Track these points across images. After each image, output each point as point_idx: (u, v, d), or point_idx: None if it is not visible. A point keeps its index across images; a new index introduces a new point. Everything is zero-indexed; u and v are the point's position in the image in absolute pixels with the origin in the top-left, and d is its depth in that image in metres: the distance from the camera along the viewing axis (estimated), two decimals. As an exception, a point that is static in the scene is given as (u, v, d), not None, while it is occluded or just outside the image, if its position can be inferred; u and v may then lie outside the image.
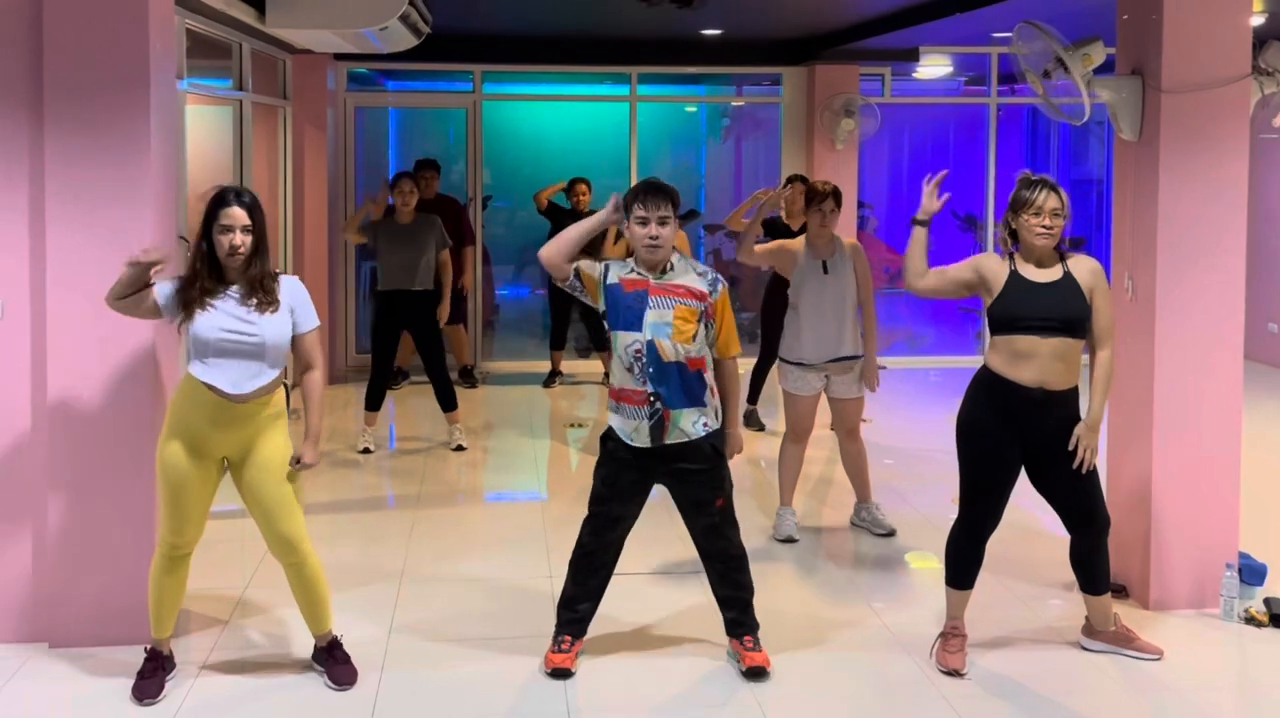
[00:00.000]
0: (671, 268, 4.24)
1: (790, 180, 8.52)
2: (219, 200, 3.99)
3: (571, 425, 8.66)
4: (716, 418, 4.27)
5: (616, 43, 10.67)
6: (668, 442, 4.19)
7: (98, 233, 4.41)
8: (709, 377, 4.27)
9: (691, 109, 14.36)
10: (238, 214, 3.97)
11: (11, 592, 4.52)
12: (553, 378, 10.05)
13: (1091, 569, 4.45)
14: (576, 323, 10.22)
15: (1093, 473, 4.31)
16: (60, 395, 4.43)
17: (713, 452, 4.26)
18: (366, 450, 7.55)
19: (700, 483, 4.28)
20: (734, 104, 14.09)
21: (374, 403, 7.61)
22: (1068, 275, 4.25)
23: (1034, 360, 4.21)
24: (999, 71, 11.23)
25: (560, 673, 4.28)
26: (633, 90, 11.09)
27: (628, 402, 4.21)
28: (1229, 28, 4.88)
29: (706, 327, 4.24)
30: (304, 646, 4.47)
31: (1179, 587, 4.97)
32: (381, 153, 12.47)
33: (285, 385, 4.20)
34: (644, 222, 4.18)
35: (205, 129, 8.28)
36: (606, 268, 4.28)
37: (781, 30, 10.22)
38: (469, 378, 9.94)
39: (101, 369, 4.43)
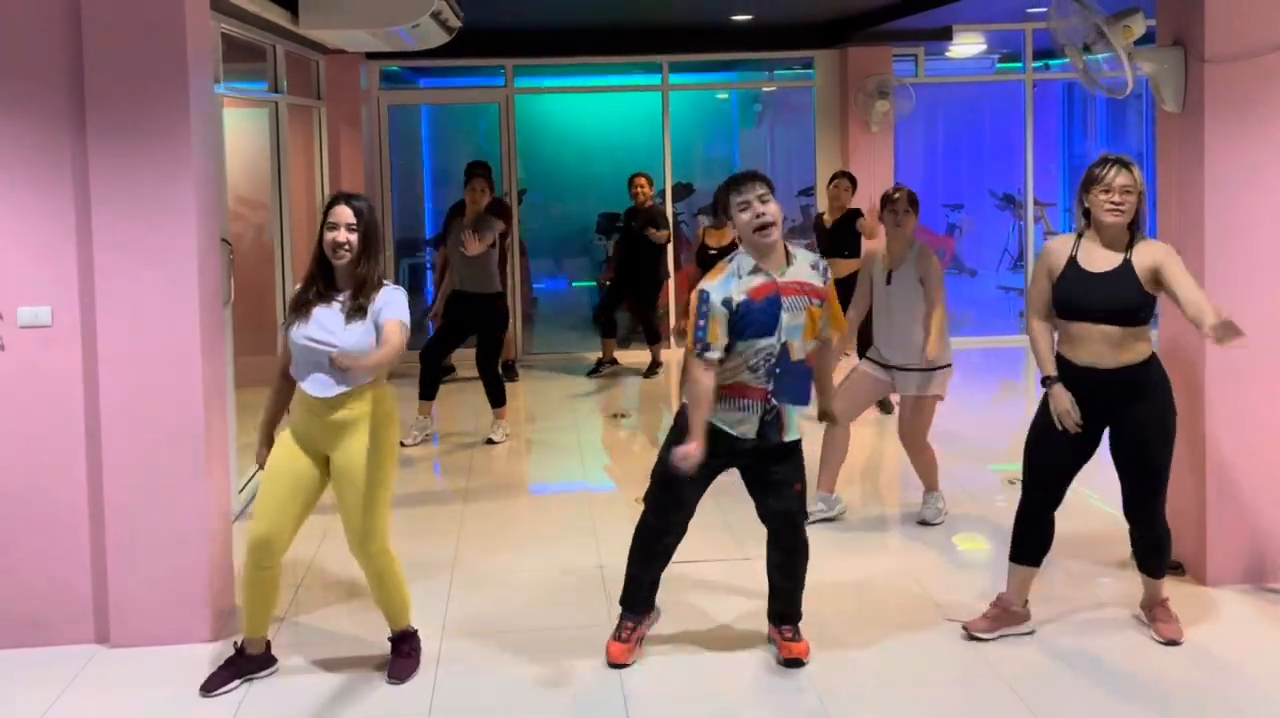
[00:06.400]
0: (791, 259, 4.10)
1: (834, 178, 8.78)
2: (330, 201, 4.08)
3: (615, 416, 8.67)
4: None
5: (647, 32, 10.65)
6: (785, 439, 4.14)
7: (143, 237, 4.45)
8: None
9: (723, 96, 14.31)
10: (343, 212, 4.01)
11: (72, 594, 4.58)
12: (600, 366, 10.07)
13: (1143, 550, 4.45)
14: (622, 311, 10.26)
15: (1158, 466, 4.29)
16: (112, 398, 4.48)
17: (798, 441, 4.24)
18: (401, 444, 7.60)
19: (786, 465, 4.22)
20: (766, 89, 14.04)
21: (429, 392, 7.72)
22: (1126, 264, 4.17)
23: (1086, 343, 4.21)
24: (1034, 47, 11.11)
25: (619, 665, 4.27)
26: (664, 79, 11.06)
27: (745, 396, 4.08)
28: (1272, -6, 4.80)
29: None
30: (359, 641, 4.51)
31: (1235, 562, 4.92)
32: (416, 150, 12.52)
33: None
34: (745, 206, 4.01)
35: (242, 132, 8.33)
36: (727, 302, 3.99)
37: (812, 13, 10.17)
38: (510, 372, 9.97)
39: (151, 371, 4.47)
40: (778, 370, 4.07)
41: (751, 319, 4.00)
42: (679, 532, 4.32)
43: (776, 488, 4.24)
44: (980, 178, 15.15)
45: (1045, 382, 4.35)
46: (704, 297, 4.00)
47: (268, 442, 4.22)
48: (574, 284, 13.76)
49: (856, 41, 10.57)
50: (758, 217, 3.98)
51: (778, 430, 4.14)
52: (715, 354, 4.00)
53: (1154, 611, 4.49)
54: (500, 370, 9.12)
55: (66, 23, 4.43)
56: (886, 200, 5.93)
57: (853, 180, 8.75)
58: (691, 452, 3.98)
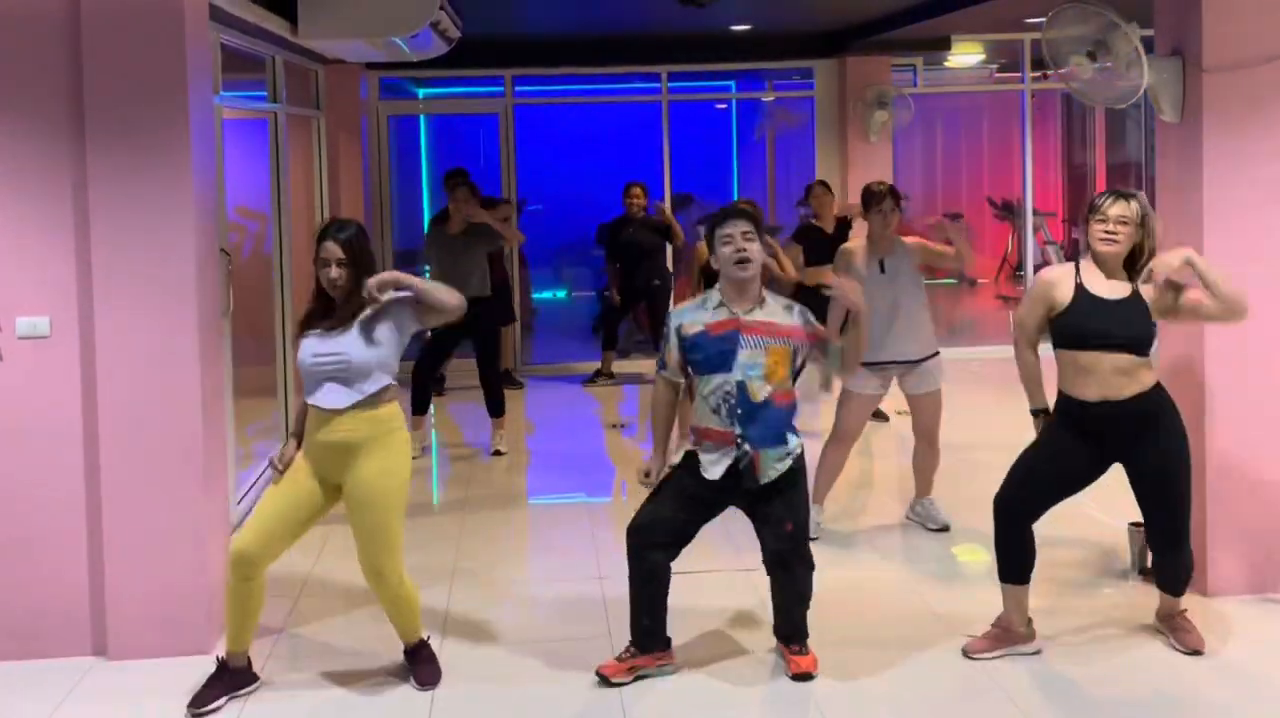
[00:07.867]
0: (763, 302, 4.15)
1: (810, 187, 8.70)
2: (319, 235, 4.10)
3: (614, 426, 8.66)
4: (800, 448, 4.21)
5: (646, 42, 10.67)
6: (761, 483, 4.12)
7: (142, 247, 4.45)
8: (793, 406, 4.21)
9: (722, 106, 14.34)
10: (331, 249, 4.05)
11: (69, 606, 4.56)
12: (597, 376, 10.06)
13: (1168, 575, 4.42)
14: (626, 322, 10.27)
15: (1181, 494, 4.25)
16: (111, 408, 4.47)
17: (791, 476, 4.18)
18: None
19: (777, 503, 4.18)
20: (766, 99, 14.06)
21: (420, 407, 7.67)
22: (1135, 293, 4.18)
23: (1095, 375, 4.16)
24: (1032, 57, 11.13)
25: (604, 677, 4.22)
26: (664, 89, 11.07)
27: (712, 439, 4.12)
28: (1271, 2, 4.79)
29: (801, 358, 4.20)
30: (359, 654, 4.50)
31: (1237, 572, 4.89)
32: (415, 160, 12.53)
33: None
34: (729, 240, 4.10)
35: (241, 142, 8.32)
36: (679, 329, 4.17)
37: (811, 23, 10.19)
38: (509, 381, 9.96)
39: (150, 381, 4.47)
40: (739, 412, 4.07)
41: (702, 352, 4.12)
42: (666, 556, 4.20)
43: (767, 525, 4.22)
44: (979, 187, 15.17)
45: (1038, 413, 4.36)
46: (671, 320, 4.26)
47: (295, 444, 4.24)
48: (574, 294, 13.76)
49: (855, 51, 10.59)
50: (739, 251, 4.09)
51: (753, 475, 4.11)
52: (671, 375, 4.25)
53: (1173, 620, 4.44)
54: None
55: (66, 33, 4.43)
56: (870, 199, 5.84)
57: (828, 187, 8.74)
58: (649, 467, 4.26)
